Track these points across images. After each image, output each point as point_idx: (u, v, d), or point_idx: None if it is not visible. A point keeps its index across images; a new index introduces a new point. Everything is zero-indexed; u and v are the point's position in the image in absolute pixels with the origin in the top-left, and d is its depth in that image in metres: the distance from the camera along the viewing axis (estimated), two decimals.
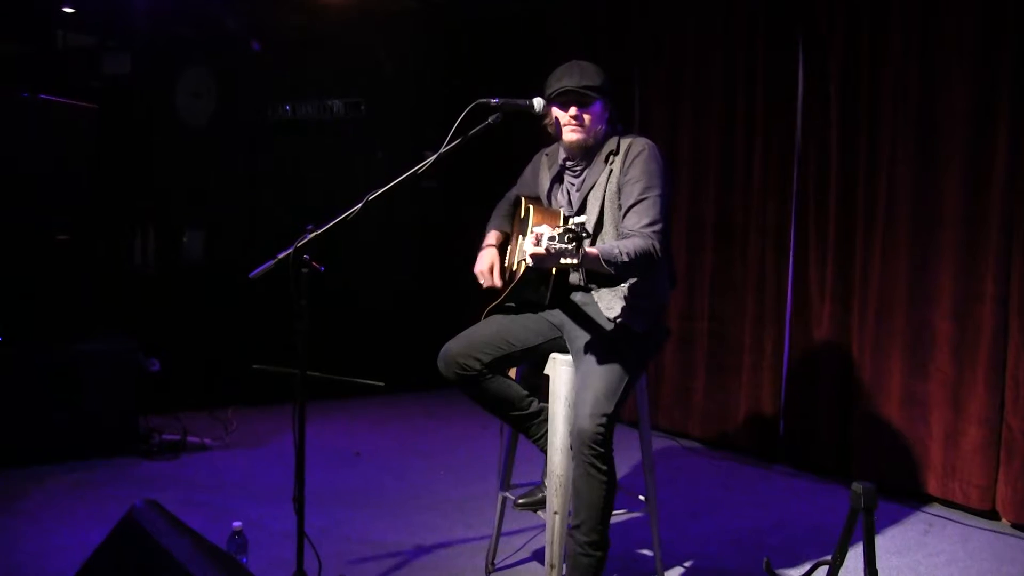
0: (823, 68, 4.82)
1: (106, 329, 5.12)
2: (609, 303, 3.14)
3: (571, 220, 2.63)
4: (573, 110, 3.15)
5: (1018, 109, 4.01)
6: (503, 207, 3.64)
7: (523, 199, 3.46)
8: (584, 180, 3.24)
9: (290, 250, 2.82)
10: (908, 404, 4.46)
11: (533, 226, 3.18)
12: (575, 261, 2.58)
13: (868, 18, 4.62)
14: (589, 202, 3.19)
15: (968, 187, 4.21)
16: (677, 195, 5.34)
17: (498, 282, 3.40)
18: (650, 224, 3.03)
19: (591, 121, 3.17)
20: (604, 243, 3.09)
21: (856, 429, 4.66)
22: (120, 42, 6.23)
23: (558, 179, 3.37)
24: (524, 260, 2.78)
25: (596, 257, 2.81)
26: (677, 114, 5.60)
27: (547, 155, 3.49)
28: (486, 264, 3.41)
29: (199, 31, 6.36)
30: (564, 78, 3.14)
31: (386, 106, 6.74)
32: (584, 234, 2.58)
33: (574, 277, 3.22)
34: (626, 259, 2.89)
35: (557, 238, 2.54)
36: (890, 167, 4.53)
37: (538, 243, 2.60)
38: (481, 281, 3.41)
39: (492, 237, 3.52)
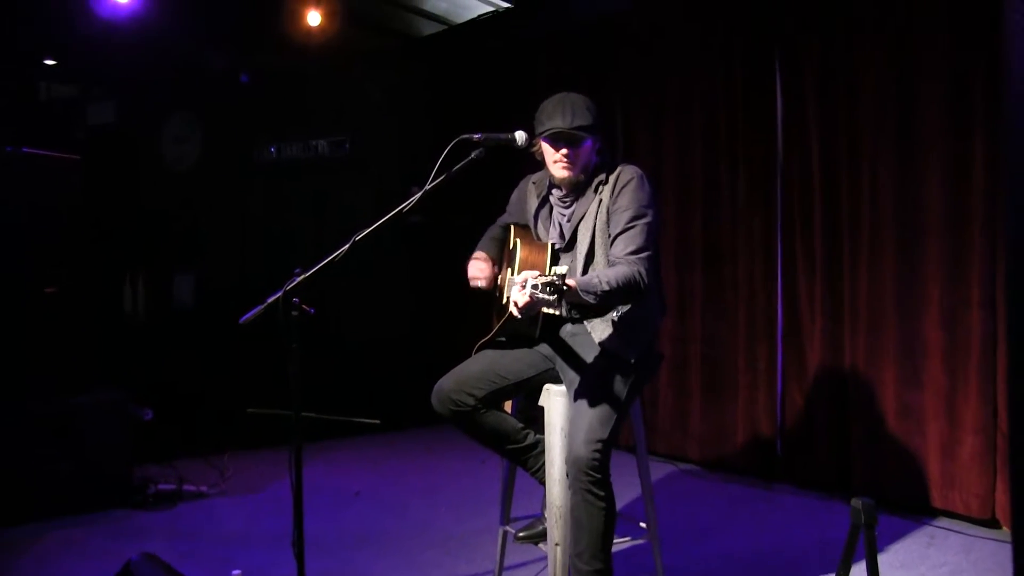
0: (800, 88, 4.87)
1: (98, 379, 5.09)
2: (600, 332, 3.14)
3: (553, 270, 2.65)
4: (564, 150, 3.16)
5: (992, 118, 4.05)
6: (492, 231, 3.65)
7: (512, 228, 3.47)
8: (574, 211, 3.25)
9: (279, 294, 2.82)
10: (904, 416, 4.46)
11: (520, 260, 3.20)
12: (557, 312, 2.63)
13: (842, 38, 4.67)
14: (580, 233, 3.20)
15: (949, 195, 4.26)
16: (664, 218, 5.35)
17: (490, 284, 3.40)
18: (636, 251, 3.04)
19: (581, 158, 3.17)
20: (589, 273, 3.10)
21: (854, 444, 4.66)
22: (104, 91, 6.26)
23: (547, 209, 3.38)
24: (513, 300, 2.80)
25: (575, 289, 2.82)
26: (661, 139, 5.63)
27: (534, 183, 3.49)
28: (475, 269, 3.42)
29: (182, 76, 6.38)
30: (555, 117, 3.13)
31: (372, 143, 6.75)
32: (564, 287, 2.61)
33: (565, 312, 3.23)
34: (607, 288, 2.90)
35: (540, 287, 2.58)
36: (871, 180, 4.57)
37: (523, 289, 2.64)
38: (476, 284, 3.40)
39: (477, 253, 3.54)
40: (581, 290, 2.84)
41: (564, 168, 3.19)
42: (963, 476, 4.22)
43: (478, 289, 3.44)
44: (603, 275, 2.93)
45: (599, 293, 2.88)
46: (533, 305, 2.69)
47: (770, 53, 5.02)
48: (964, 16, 4.16)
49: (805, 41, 4.83)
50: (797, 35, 4.87)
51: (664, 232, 5.35)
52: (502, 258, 3.53)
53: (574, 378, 3.12)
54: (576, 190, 3.25)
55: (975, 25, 4.10)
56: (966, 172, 4.19)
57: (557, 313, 2.67)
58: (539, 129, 3.18)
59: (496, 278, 3.49)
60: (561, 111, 3.13)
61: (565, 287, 2.62)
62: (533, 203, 3.45)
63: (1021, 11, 1.33)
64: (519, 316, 2.77)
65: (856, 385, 4.65)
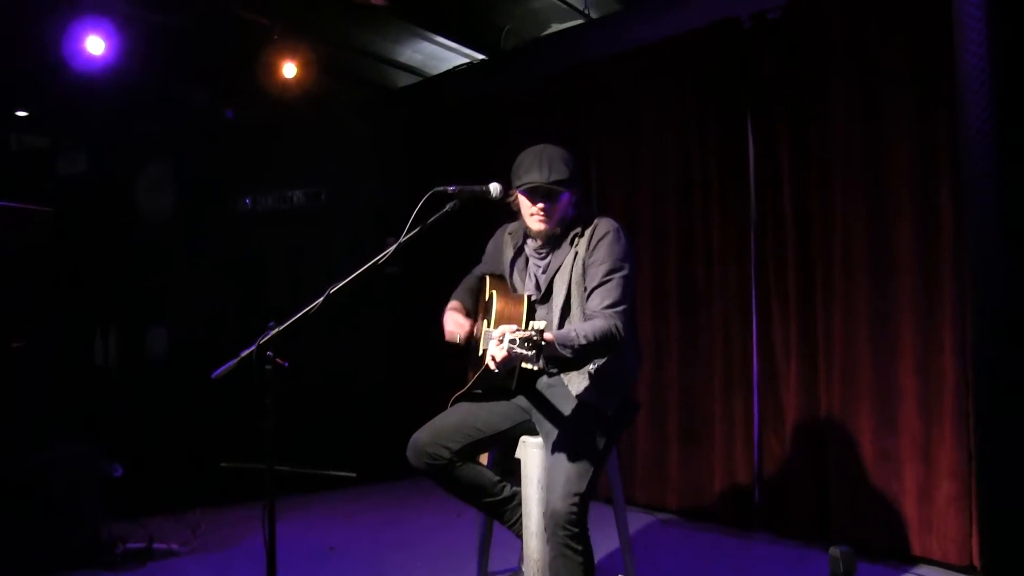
0: (772, 136, 4.93)
1: (66, 435, 5.01)
2: (577, 385, 3.13)
3: (532, 324, 2.65)
4: (540, 204, 3.17)
5: (956, 165, 4.11)
6: (468, 281, 3.65)
7: (488, 280, 3.47)
8: (550, 263, 3.26)
9: (253, 347, 2.80)
10: (880, 461, 4.47)
11: (497, 313, 3.19)
12: (535, 367, 2.63)
13: (813, 87, 4.74)
14: (555, 285, 3.21)
15: (919, 241, 4.32)
16: (639, 266, 5.37)
17: (467, 328, 3.40)
18: (612, 305, 3.05)
19: (558, 212, 3.20)
20: (566, 327, 3.10)
21: (832, 491, 4.65)
22: (75, 141, 6.24)
23: (523, 260, 3.39)
24: (490, 354, 2.80)
25: (552, 343, 2.81)
26: (634, 187, 5.66)
27: (510, 233, 3.50)
28: (451, 324, 3.42)
29: (156, 127, 6.39)
30: (533, 171, 3.14)
31: (348, 194, 6.76)
32: (543, 343, 2.62)
33: (540, 364, 3.22)
34: (584, 342, 2.90)
35: (518, 342, 2.58)
36: (844, 227, 4.62)
37: (500, 343, 2.63)
38: (457, 341, 3.40)
39: (453, 306, 3.53)
40: (558, 344, 2.84)
41: (540, 221, 3.20)
42: (940, 521, 4.22)
43: (454, 343, 3.43)
44: (580, 329, 2.93)
45: (576, 347, 2.89)
46: (511, 360, 2.70)
47: (742, 102, 5.08)
48: (928, 63, 4.25)
49: (776, 90, 4.90)
50: (768, 84, 4.94)
51: (639, 279, 5.37)
52: (477, 309, 3.53)
53: (551, 430, 3.11)
54: (552, 242, 3.26)
55: (939, 71, 4.18)
56: (935, 219, 4.25)
57: (534, 368, 2.68)
58: (516, 182, 3.19)
59: (472, 330, 3.48)
60: (539, 165, 3.15)
61: (544, 342, 2.62)
62: (509, 253, 3.46)
63: (973, 52, 1.35)
64: (496, 370, 2.76)
65: (832, 431, 4.65)
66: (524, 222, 3.30)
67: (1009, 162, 1.35)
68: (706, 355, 5.27)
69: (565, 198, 3.20)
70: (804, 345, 4.80)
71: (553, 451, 3.04)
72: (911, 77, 4.34)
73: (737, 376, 5.10)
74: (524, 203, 3.23)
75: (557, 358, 3.00)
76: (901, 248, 4.39)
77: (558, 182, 3.13)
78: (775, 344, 4.93)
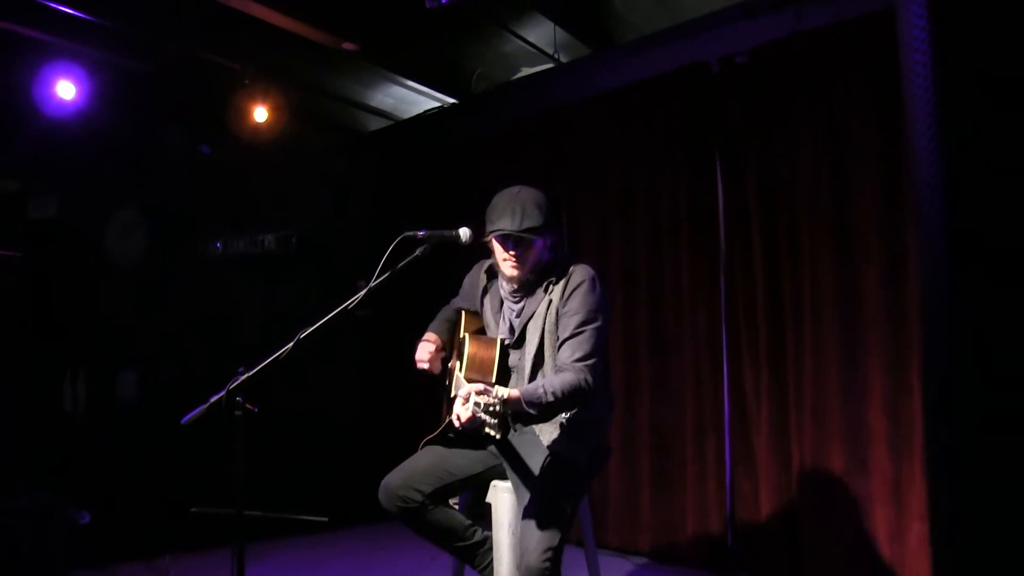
0: (740, 182, 4.98)
1: (34, 480, 4.95)
2: (548, 435, 3.13)
3: (497, 391, 2.65)
4: (512, 251, 3.16)
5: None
6: (445, 312, 3.65)
7: (463, 317, 3.47)
8: (524, 308, 3.25)
9: (222, 393, 2.79)
10: (852, 503, 4.47)
11: (468, 357, 3.20)
12: (497, 435, 2.64)
13: (780, 133, 4.81)
14: (529, 332, 3.20)
15: (887, 284, 4.37)
16: (611, 308, 5.38)
17: (437, 367, 3.39)
18: (583, 358, 3.03)
19: (530, 258, 3.18)
20: (537, 380, 3.10)
21: (804, 532, 4.65)
22: (46, 186, 6.21)
23: (498, 300, 3.38)
24: (456, 413, 2.81)
25: (518, 400, 2.82)
26: (606, 229, 5.69)
27: (486, 271, 3.49)
28: (423, 351, 3.40)
29: (127, 170, 6.38)
30: (505, 217, 3.12)
31: (319, 237, 6.76)
32: (508, 413, 2.67)
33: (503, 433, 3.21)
34: (551, 399, 2.89)
35: (482, 406, 2.60)
36: (812, 272, 4.66)
37: (466, 403, 2.66)
38: (422, 367, 3.39)
39: (427, 335, 3.52)
40: (525, 403, 2.83)
41: (513, 268, 3.19)
42: (911, 563, 4.23)
43: (425, 372, 3.42)
44: (548, 385, 2.92)
45: (543, 404, 2.88)
46: (474, 422, 2.69)
47: (710, 145, 5.13)
48: (892, 108, 4.32)
49: (744, 134, 4.96)
50: (736, 127, 5.00)
51: (611, 323, 5.39)
52: (453, 342, 3.52)
53: (522, 479, 3.10)
54: (526, 287, 3.25)
55: (903, 117, 4.24)
56: (901, 262, 4.31)
57: (496, 436, 2.68)
58: (488, 227, 3.17)
59: (445, 363, 3.48)
60: (511, 211, 3.12)
61: (508, 414, 2.63)
62: (487, 292, 3.45)
63: (918, 84, 1.39)
64: (460, 429, 2.78)
65: (804, 473, 4.67)
66: (498, 266, 3.30)
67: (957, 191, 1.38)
68: (678, 398, 5.28)
69: (539, 244, 3.17)
70: (775, 388, 4.82)
71: (526, 504, 3.03)
72: (876, 122, 4.41)
73: (709, 419, 5.11)
74: (497, 248, 3.22)
75: (525, 415, 2.96)
76: (869, 292, 4.43)
77: (530, 230, 3.10)
78: (746, 387, 4.96)
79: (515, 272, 3.20)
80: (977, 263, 1.40)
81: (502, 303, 3.36)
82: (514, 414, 2.96)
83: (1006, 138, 1.38)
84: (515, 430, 3.23)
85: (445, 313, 3.66)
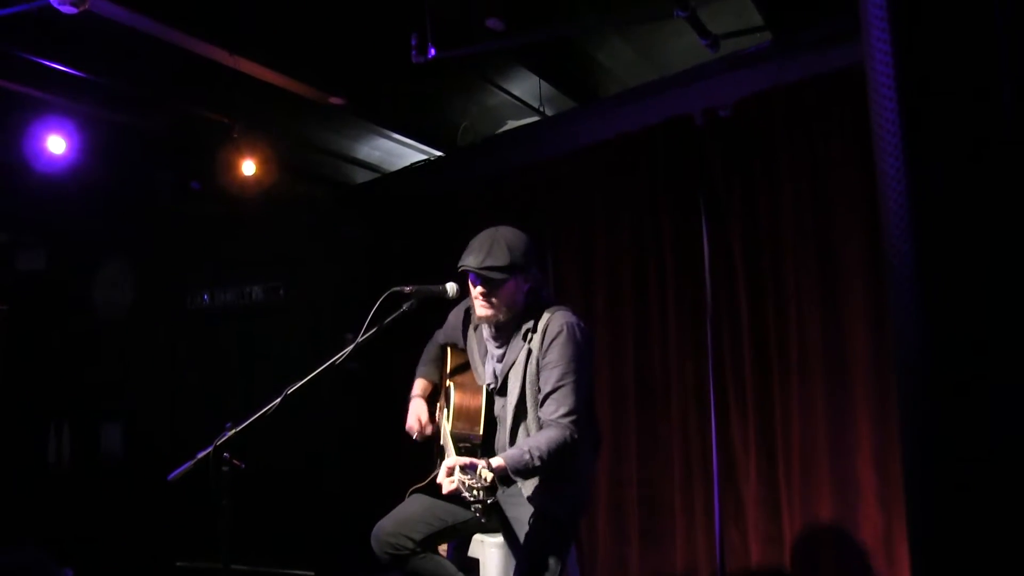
0: (725, 231, 5.01)
1: (16, 536, 4.91)
2: (529, 487, 3.13)
3: (480, 471, 2.65)
4: (480, 288, 3.14)
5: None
6: (431, 351, 3.65)
7: (448, 355, 3.48)
8: (505, 355, 3.26)
9: (209, 449, 2.79)
10: (842, 556, 4.46)
11: (455, 408, 3.22)
12: (482, 519, 2.67)
13: (763, 181, 4.85)
14: (510, 381, 3.21)
15: (873, 335, 4.38)
16: (597, 356, 5.38)
17: (428, 430, 3.40)
18: (567, 414, 3.03)
19: (500, 300, 3.15)
20: (520, 435, 3.11)
21: None
22: (35, 238, 6.23)
23: (483, 344, 3.39)
24: (439, 481, 2.82)
25: (504, 470, 2.82)
26: (591, 275, 5.70)
27: (467, 310, 3.49)
28: (413, 419, 3.41)
29: (115, 223, 6.40)
30: (470, 255, 3.12)
31: (306, 289, 6.77)
32: (492, 493, 2.65)
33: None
34: (538, 463, 2.89)
35: (466, 484, 2.61)
36: (799, 320, 4.68)
37: (451, 477, 2.67)
38: (414, 437, 3.40)
39: (419, 387, 3.52)
40: (511, 471, 2.83)
41: (482, 307, 3.17)
42: None
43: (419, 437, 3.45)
44: (535, 448, 2.91)
45: (530, 469, 2.88)
46: (459, 491, 2.68)
47: (695, 199, 5.16)
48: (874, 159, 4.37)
49: (728, 186, 5.00)
50: (720, 180, 5.04)
51: (597, 370, 5.39)
52: (441, 381, 3.54)
53: (509, 534, 3.11)
54: (505, 332, 3.26)
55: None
56: (888, 314, 4.32)
57: (482, 520, 2.69)
58: (458, 264, 3.17)
59: (434, 416, 3.50)
60: (479, 248, 3.11)
61: (491, 499, 2.63)
62: (469, 332, 3.47)
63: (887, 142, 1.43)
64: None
65: (793, 525, 4.65)
66: (472, 307, 3.30)
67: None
68: (665, 449, 5.26)
69: (509, 285, 3.13)
70: (762, 439, 4.82)
71: (514, 559, 3.03)
72: (858, 171, 4.44)
73: (697, 470, 5.09)
74: (470, 287, 3.21)
75: (510, 481, 2.94)
76: (856, 343, 4.44)
77: (491, 268, 3.07)
78: (734, 438, 4.95)
79: (484, 312, 3.17)
80: (952, 331, 1.43)
81: (486, 348, 3.37)
82: (501, 479, 2.91)
83: (976, 196, 1.42)
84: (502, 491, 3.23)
85: (431, 353, 3.67)
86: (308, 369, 2.99)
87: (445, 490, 2.73)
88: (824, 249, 4.60)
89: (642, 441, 5.38)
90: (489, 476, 2.64)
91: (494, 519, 3.22)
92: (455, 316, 3.59)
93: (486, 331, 3.34)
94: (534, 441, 2.97)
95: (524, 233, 3.27)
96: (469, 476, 2.62)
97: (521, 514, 3.12)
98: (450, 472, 2.69)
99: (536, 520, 3.09)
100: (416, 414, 3.45)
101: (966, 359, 1.42)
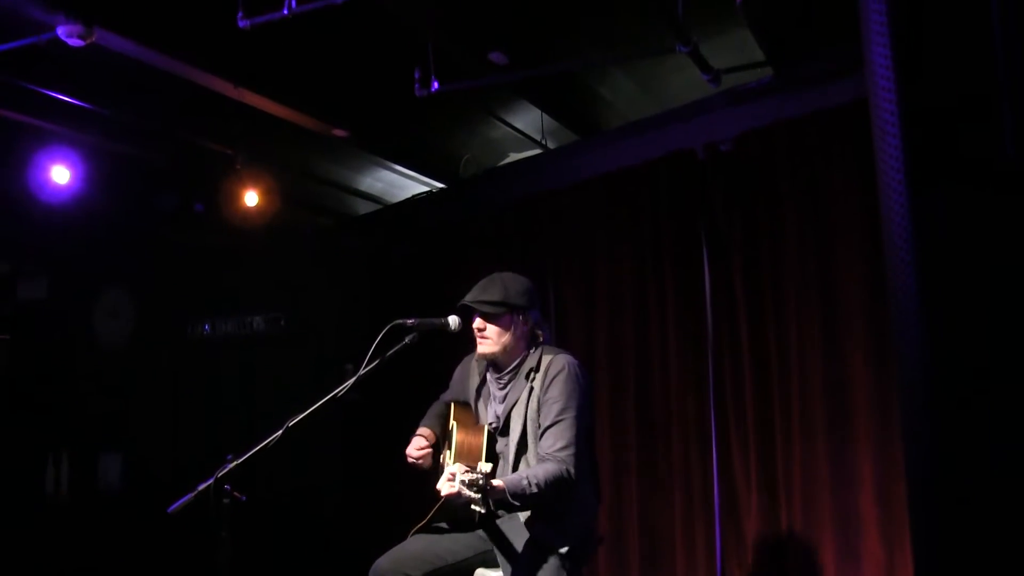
0: (727, 263, 5.02)
1: (12, 568, 4.88)
2: (532, 522, 3.14)
3: (479, 466, 2.73)
4: (478, 322, 3.26)
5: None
6: (436, 408, 3.68)
7: (452, 408, 3.50)
8: (507, 395, 3.31)
9: (210, 481, 2.78)
10: None
11: (457, 444, 3.23)
12: (482, 510, 2.74)
13: (764, 216, 4.86)
14: (512, 420, 3.24)
15: (874, 371, 4.37)
16: (598, 388, 5.38)
17: (428, 463, 3.41)
18: (564, 448, 3.08)
19: (496, 335, 3.27)
20: (521, 468, 3.12)
21: None
22: (36, 267, 6.24)
23: (487, 389, 3.43)
24: (439, 488, 2.87)
25: (503, 491, 2.86)
26: (592, 308, 5.69)
27: (476, 360, 3.55)
28: (415, 446, 3.43)
29: (116, 253, 6.41)
30: (470, 292, 3.26)
31: (308, 319, 6.77)
32: (488, 487, 2.69)
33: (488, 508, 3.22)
34: (535, 491, 2.94)
35: (467, 483, 2.66)
36: (799, 354, 4.67)
37: (452, 481, 2.72)
38: (412, 461, 3.41)
39: (420, 430, 3.54)
40: (509, 494, 2.88)
41: (480, 342, 3.30)
42: None
43: (418, 468, 3.44)
44: (532, 477, 2.96)
45: (527, 496, 2.93)
46: (458, 498, 2.75)
47: (696, 233, 5.17)
48: (877, 197, 4.36)
49: (730, 219, 5.01)
50: (722, 213, 5.05)
51: (598, 405, 5.38)
52: (444, 436, 3.54)
53: (509, 567, 3.10)
54: (507, 374, 3.31)
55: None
56: (888, 346, 4.29)
57: (481, 511, 2.73)
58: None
59: (436, 458, 3.49)
60: (478, 286, 3.27)
61: (489, 487, 2.66)
62: (475, 381, 3.51)
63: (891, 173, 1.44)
64: (442, 501, 2.87)
65: (795, 560, 4.62)
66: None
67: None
68: (666, 482, 5.23)
69: (504, 320, 3.26)
70: (764, 474, 4.80)
71: None
72: (860, 207, 4.45)
73: (698, 505, 5.06)
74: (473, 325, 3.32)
75: (508, 504, 3.00)
76: (857, 377, 4.44)
77: (486, 302, 3.22)
78: (735, 473, 4.93)
79: (482, 347, 3.31)
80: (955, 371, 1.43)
81: (490, 392, 3.41)
82: (497, 502, 2.98)
83: (979, 229, 1.43)
84: (500, 516, 3.23)
85: (435, 409, 3.70)
86: (309, 399, 2.99)
87: (444, 492, 2.80)
88: (825, 283, 4.60)
89: (643, 474, 5.36)
90: (489, 467, 2.71)
91: (499, 553, 3.21)
92: (459, 370, 3.71)
93: (489, 374, 3.39)
94: (532, 471, 3.03)
95: (526, 278, 3.40)
96: (469, 474, 2.69)
97: (520, 547, 3.11)
98: (451, 477, 2.74)
99: (535, 552, 3.08)
100: (414, 445, 3.46)
101: (969, 387, 1.43)
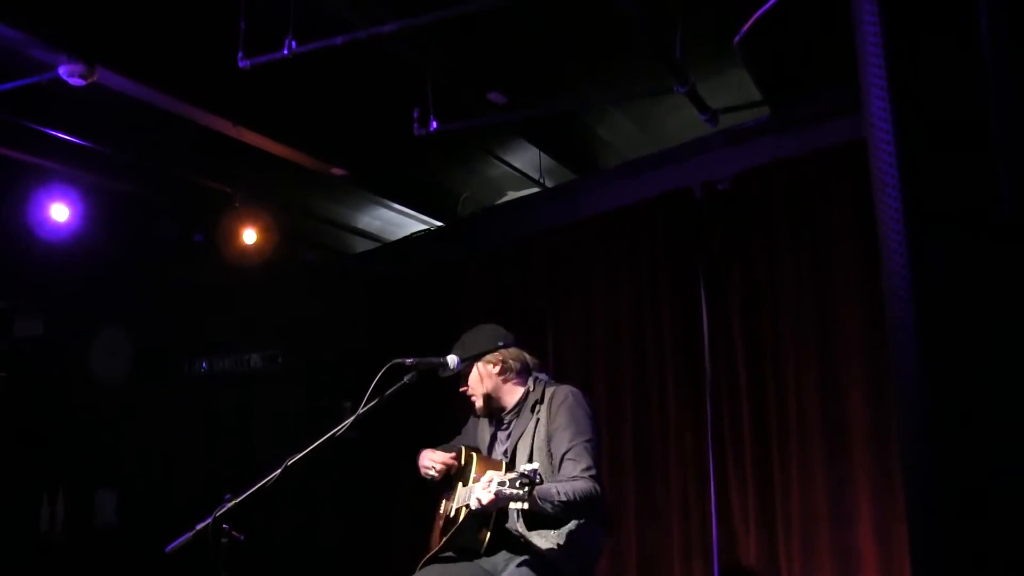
0: (724, 301, 5.02)
1: None
2: (542, 542, 3.15)
3: (521, 467, 2.77)
4: (462, 388, 3.46)
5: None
6: (445, 447, 3.71)
7: (463, 449, 3.53)
8: (512, 431, 3.35)
9: (209, 520, 2.76)
10: None
11: (476, 465, 3.25)
12: (524, 506, 2.75)
13: (763, 254, 4.88)
14: (519, 451, 3.28)
15: (872, 408, 4.37)
16: (599, 422, 5.34)
17: (440, 476, 3.43)
18: (587, 468, 3.14)
19: (476, 388, 3.41)
20: (547, 483, 3.14)
21: None
22: (33, 304, 6.24)
23: (494, 430, 3.49)
24: (467, 506, 2.88)
25: (534, 495, 2.88)
26: (590, 346, 5.69)
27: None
28: (426, 458, 3.52)
29: (113, 290, 6.41)
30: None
31: (305, 357, 6.76)
32: (538, 479, 2.74)
33: (512, 524, 3.23)
34: (564, 499, 2.98)
35: (508, 483, 2.71)
36: (797, 395, 4.67)
37: (488, 487, 2.77)
38: (427, 466, 3.46)
39: (446, 452, 3.59)
40: (539, 498, 2.90)
41: (471, 399, 3.45)
42: None
43: (430, 479, 3.47)
44: (560, 487, 3.01)
45: (556, 503, 2.97)
46: (499, 501, 2.79)
47: (694, 268, 5.19)
48: (874, 236, 4.35)
49: (727, 258, 5.02)
50: (719, 252, 5.07)
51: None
52: (449, 473, 3.56)
53: None
54: (511, 413, 3.36)
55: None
56: (886, 384, 4.30)
57: (523, 507, 2.76)
58: None
59: (449, 480, 3.51)
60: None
61: (538, 479, 2.70)
62: (486, 429, 3.56)
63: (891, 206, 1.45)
64: (480, 506, 2.88)
65: None
66: None
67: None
68: (664, 520, 5.21)
69: (473, 374, 3.39)
70: (762, 512, 4.78)
71: None
72: (858, 245, 4.46)
73: (696, 541, 5.04)
74: None
75: (536, 513, 3.03)
76: (855, 414, 4.43)
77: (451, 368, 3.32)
78: (734, 510, 4.91)
79: (475, 404, 3.45)
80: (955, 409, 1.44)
81: (497, 434, 3.47)
82: (530, 516, 3.08)
83: (979, 269, 1.44)
84: (521, 538, 3.23)
85: (446, 447, 3.73)
86: (307, 437, 2.99)
87: (485, 500, 2.83)
88: (823, 321, 4.61)
89: (641, 512, 5.33)
90: (534, 466, 2.76)
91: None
92: (471, 422, 3.77)
93: (495, 424, 3.46)
94: (560, 483, 3.07)
95: (486, 324, 3.55)
96: (509, 475, 2.75)
97: (527, 571, 3.12)
98: (488, 484, 2.81)
99: (545, 572, 3.10)
100: (428, 456, 3.56)
101: (967, 429, 1.43)
